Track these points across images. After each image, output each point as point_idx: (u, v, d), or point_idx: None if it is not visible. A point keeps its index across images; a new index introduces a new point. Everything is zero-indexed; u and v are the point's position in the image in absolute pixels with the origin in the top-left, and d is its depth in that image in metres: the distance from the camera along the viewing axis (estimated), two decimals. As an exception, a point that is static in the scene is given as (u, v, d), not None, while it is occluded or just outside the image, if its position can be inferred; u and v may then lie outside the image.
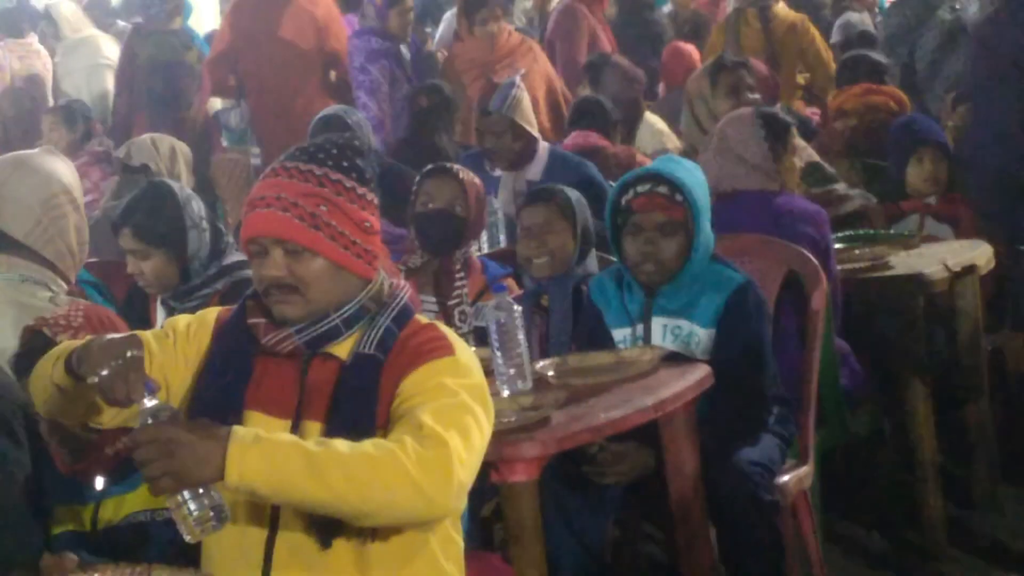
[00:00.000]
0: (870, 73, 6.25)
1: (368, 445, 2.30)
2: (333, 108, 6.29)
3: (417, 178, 4.53)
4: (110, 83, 9.10)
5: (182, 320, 2.66)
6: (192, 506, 2.23)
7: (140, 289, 4.07)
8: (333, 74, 7.86)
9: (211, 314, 2.66)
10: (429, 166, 4.55)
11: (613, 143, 6.03)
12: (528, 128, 5.56)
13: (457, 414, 2.39)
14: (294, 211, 2.46)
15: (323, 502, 2.27)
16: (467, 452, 2.35)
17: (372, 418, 2.45)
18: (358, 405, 2.47)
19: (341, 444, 2.29)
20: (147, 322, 3.98)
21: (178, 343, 2.61)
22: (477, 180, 4.54)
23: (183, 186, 4.10)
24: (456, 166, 4.58)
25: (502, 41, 7.91)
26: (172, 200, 3.86)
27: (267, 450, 2.23)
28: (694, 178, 3.70)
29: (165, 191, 3.93)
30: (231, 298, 3.45)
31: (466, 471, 2.35)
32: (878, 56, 6.69)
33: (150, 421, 2.23)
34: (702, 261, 3.67)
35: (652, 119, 6.75)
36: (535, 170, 5.43)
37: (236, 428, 2.25)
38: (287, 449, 2.25)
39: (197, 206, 3.92)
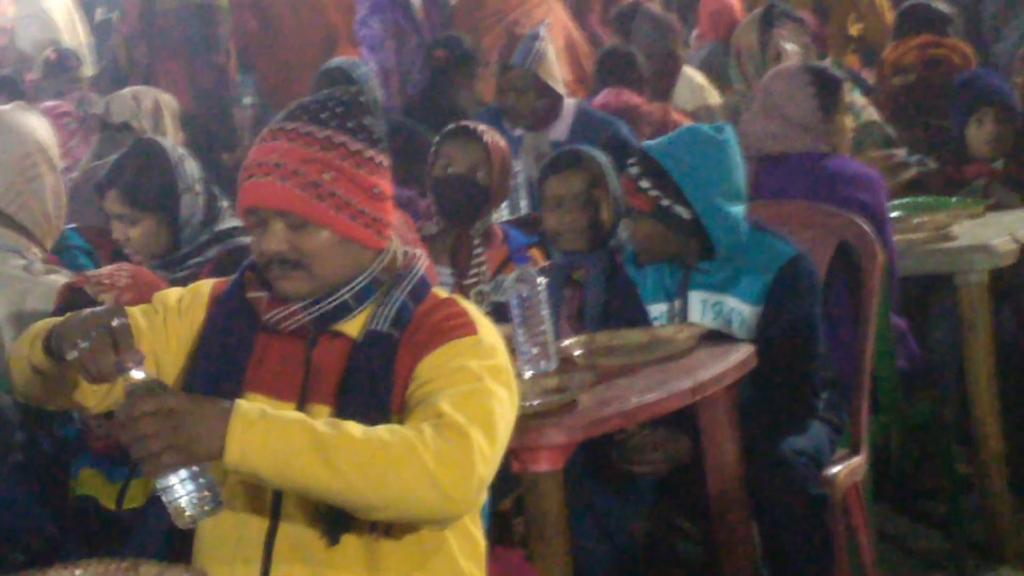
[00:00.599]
0: (930, 24, 6.25)
1: (383, 431, 2.29)
2: (336, 60, 6.34)
3: (436, 138, 4.52)
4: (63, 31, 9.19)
5: (173, 293, 2.65)
6: (190, 487, 2.21)
7: (124, 257, 4.04)
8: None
9: (205, 286, 2.65)
10: (451, 125, 4.54)
11: (646, 99, 6.04)
12: (553, 84, 5.57)
13: (480, 401, 2.39)
14: (295, 180, 2.45)
15: (331, 489, 2.26)
16: (489, 444, 2.35)
17: (387, 402, 2.45)
18: (371, 387, 2.47)
19: (354, 427, 2.28)
20: None
21: (169, 319, 2.60)
22: (503, 143, 4.53)
23: (176, 145, 4.10)
24: (481, 126, 4.55)
25: None
26: (163, 160, 3.86)
27: (273, 427, 2.22)
28: (683, 161, 3.69)
29: (156, 150, 3.92)
30: (225, 268, 3.47)
31: (487, 466, 2.35)
32: (940, 5, 6.67)
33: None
34: (728, 236, 3.65)
35: (691, 73, 6.77)
36: (560, 129, 5.45)
37: (240, 402, 2.25)
38: (295, 427, 2.24)
39: (191, 167, 3.91)
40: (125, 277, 2.88)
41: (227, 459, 2.19)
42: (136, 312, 2.58)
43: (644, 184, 3.65)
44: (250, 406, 2.26)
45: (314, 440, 2.23)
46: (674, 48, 6.83)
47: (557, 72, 5.69)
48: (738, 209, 3.67)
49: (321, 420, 2.31)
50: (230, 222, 3.90)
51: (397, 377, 2.46)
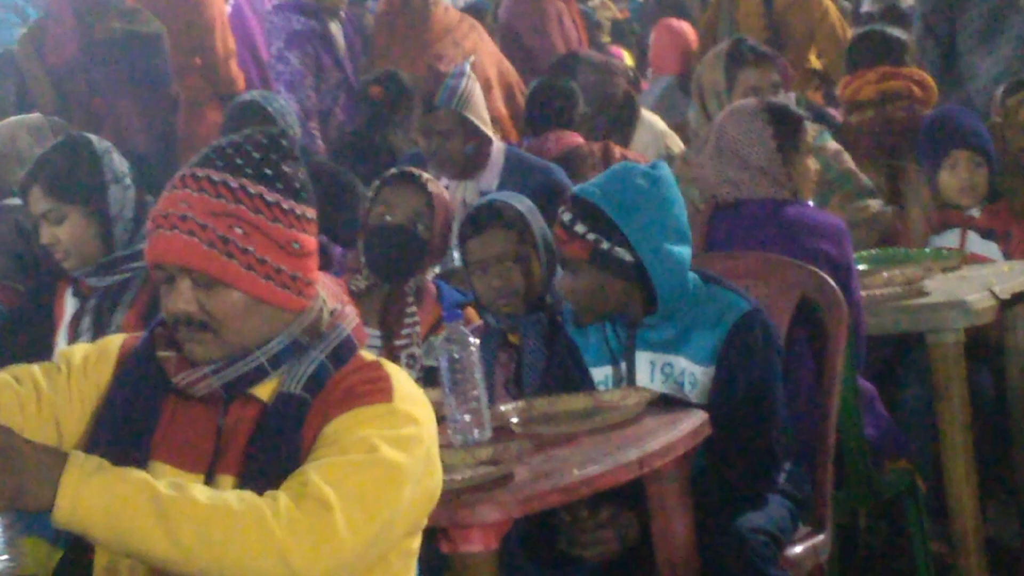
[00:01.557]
0: (885, 53, 6.22)
1: (233, 496, 2.29)
2: (250, 94, 6.32)
3: (376, 184, 4.50)
4: None
5: (79, 351, 2.63)
6: None
7: (45, 283, 4.11)
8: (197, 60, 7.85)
9: (114, 342, 2.65)
10: (392, 171, 4.53)
11: (587, 138, 6.07)
12: (482, 127, 5.57)
13: (362, 473, 2.36)
14: (202, 235, 2.43)
15: (168, 558, 2.25)
16: (363, 520, 2.33)
17: (293, 470, 2.41)
18: (278, 454, 2.45)
19: (201, 491, 2.27)
20: (51, 318, 4.02)
21: (72, 378, 2.58)
22: (446, 194, 4.55)
23: (101, 138, 4.14)
24: (425, 175, 4.54)
25: (438, 16, 7.94)
26: (89, 150, 3.94)
27: (110, 482, 2.21)
28: (619, 201, 3.69)
29: (80, 141, 4.00)
30: (150, 307, 3.56)
31: (353, 543, 2.32)
32: (895, 31, 6.66)
33: None
34: (675, 287, 3.66)
35: (651, 118, 6.77)
36: (490, 177, 5.46)
37: (76, 452, 2.24)
38: (135, 485, 2.23)
39: (118, 159, 3.97)
40: None
41: (56, 513, 2.18)
42: (36, 371, 2.57)
43: (579, 229, 3.64)
44: (88, 457, 2.23)
45: (154, 501, 2.21)
46: (628, 91, 6.85)
47: (486, 113, 5.70)
48: (683, 250, 3.68)
49: (166, 481, 2.28)
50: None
51: (304, 442, 2.45)
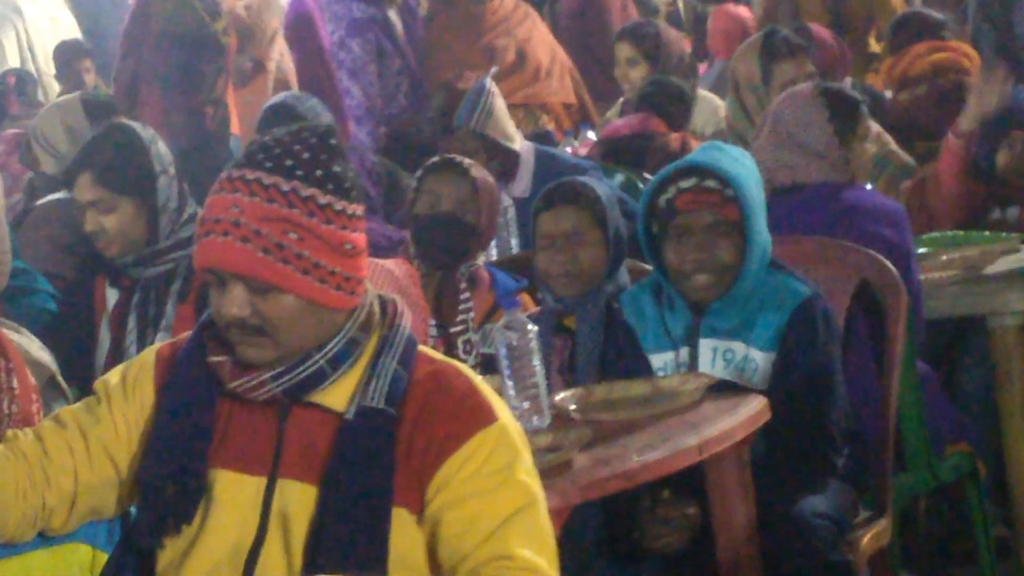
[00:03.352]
0: (928, 31, 6.23)
1: None
2: (281, 96, 6.34)
3: (418, 173, 4.49)
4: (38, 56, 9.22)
5: (115, 374, 2.64)
6: None
7: (82, 276, 4.13)
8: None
9: (149, 355, 2.64)
10: (434, 159, 4.52)
11: (666, 122, 6.09)
12: (506, 143, 5.56)
13: (538, 523, 2.45)
14: (257, 241, 2.42)
15: None
16: (555, 555, 2.47)
17: (388, 488, 2.44)
18: (368, 471, 2.45)
19: None
20: (90, 312, 4.03)
21: (114, 404, 2.59)
22: (491, 178, 4.53)
23: (144, 126, 4.15)
24: (468, 161, 4.53)
25: (493, 5, 7.93)
26: (138, 141, 3.94)
27: None
28: (745, 168, 3.74)
29: (129, 131, 4.00)
30: (200, 304, 3.54)
31: None
32: (932, 12, 6.68)
33: None
34: (758, 271, 3.69)
35: (708, 96, 6.78)
36: (522, 184, 5.44)
37: None
38: None
39: (163, 148, 3.99)
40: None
41: None
42: (78, 409, 2.61)
43: (730, 193, 3.63)
44: None
45: None
46: (684, 73, 6.85)
47: (509, 126, 5.65)
48: (763, 236, 3.71)
49: None
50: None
51: (400, 461, 2.45)
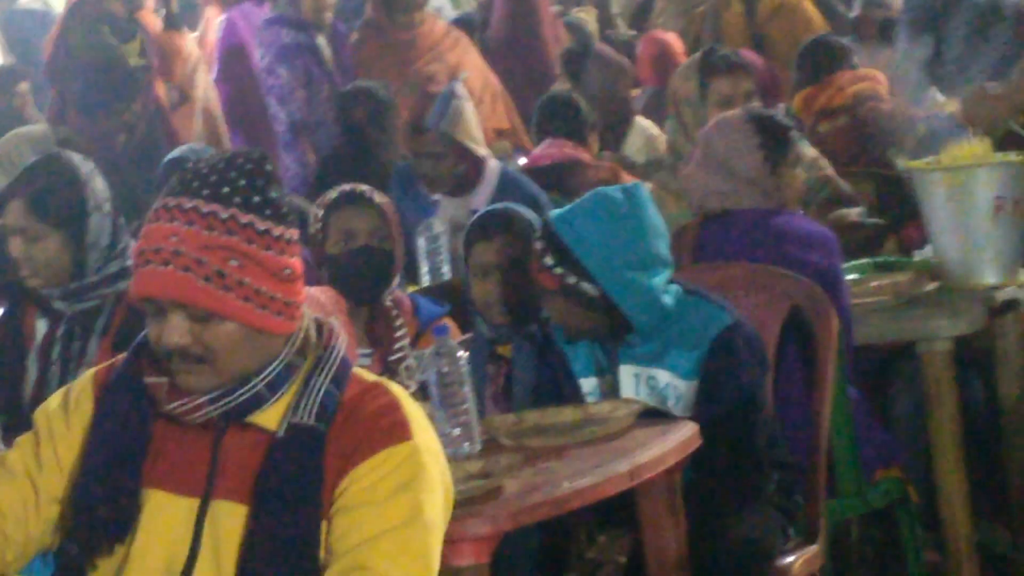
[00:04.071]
0: (834, 60, 6.24)
1: None
2: (181, 150, 6.31)
3: (319, 211, 4.42)
4: None
5: (53, 402, 2.63)
6: None
7: (12, 305, 4.08)
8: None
9: (86, 379, 2.63)
10: (333, 193, 4.45)
11: (591, 153, 6.05)
12: (473, 147, 5.56)
13: (413, 544, 2.43)
14: (198, 270, 2.41)
15: None
16: None
17: (317, 502, 2.44)
18: (297, 486, 2.45)
19: None
20: (20, 342, 3.99)
21: (56, 436, 2.58)
22: (389, 200, 4.51)
23: (85, 159, 4.10)
24: (365, 188, 4.49)
25: (424, 32, 7.96)
26: (73, 174, 3.90)
27: None
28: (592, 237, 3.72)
29: (66, 163, 3.96)
30: (129, 324, 3.52)
31: None
32: (836, 38, 6.69)
33: None
34: (647, 307, 3.67)
35: (643, 123, 6.80)
36: (482, 196, 5.43)
37: None
38: None
39: (101, 185, 3.94)
40: None
41: None
42: (24, 452, 2.58)
43: (548, 261, 3.66)
44: None
45: None
46: (626, 94, 6.87)
47: (477, 132, 5.66)
48: (656, 279, 3.68)
49: None
50: (130, 261, 3.82)
51: (327, 478, 2.45)
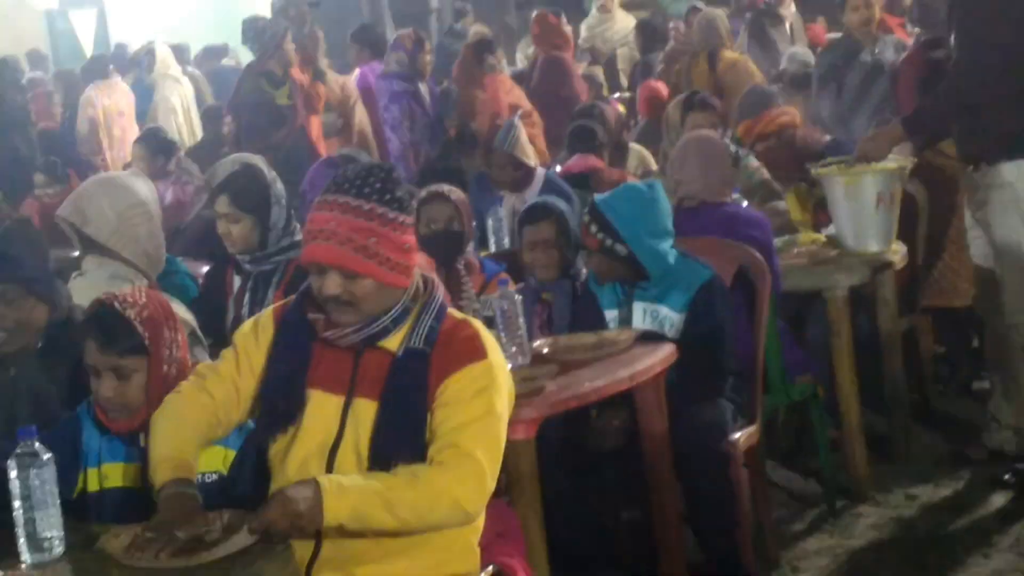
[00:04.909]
0: (766, 103, 6.09)
1: (420, 473, 2.37)
2: (348, 150, 6.21)
3: (415, 204, 4.31)
4: (192, 114, 9.26)
5: (246, 327, 2.66)
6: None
7: (219, 265, 4.07)
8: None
9: (268, 313, 2.65)
10: (424, 193, 4.38)
11: (605, 163, 5.99)
12: (525, 160, 5.51)
13: (488, 430, 2.44)
14: (349, 245, 2.43)
15: (393, 528, 2.35)
16: (493, 463, 2.42)
17: (424, 402, 2.45)
18: (411, 391, 2.47)
19: (404, 480, 2.35)
20: (224, 290, 3.99)
21: (247, 347, 2.61)
22: (463, 195, 4.46)
23: (270, 169, 4.11)
24: (447, 188, 4.42)
25: (507, 87, 7.92)
26: (262, 178, 3.90)
27: (351, 497, 2.30)
28: (638, 208, 3.71)
29: (257, 170, 3.96)
30: (300, 272, 3.45)
31: (493, 480, 2.42)
32: (769, 88, 6.62)
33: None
34: (659, 262, 3.66)
35: (636, 147, 6.72)
36: (532, 193, 5.34)
37: (322, 479, 2.32)
38: (366, 495, 2.31)
39: (280, 187, 3.94)
40: (144, 297, 2.72)
41: (324, 526, 2.29)
42: (221, 362, 2.62)
43: (593, 229, 3.69)
44: (330, 480, 2.32)
45: (381, 499, 2.31)
46: (618, 130, 6.81)
47: (529, 150, 5.61)
48: (665, 244, 3.69)
49: (380, 476, 2.37)
50: (299, 238, 3.85)
51: (430, 384, 2.46)
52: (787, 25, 9.27)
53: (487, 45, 8.21)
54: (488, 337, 2.53)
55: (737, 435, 3.64)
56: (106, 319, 2.63)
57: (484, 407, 2.43)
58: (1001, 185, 4.14)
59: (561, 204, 4.18)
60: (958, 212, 4.77)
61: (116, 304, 2.64)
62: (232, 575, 2.20)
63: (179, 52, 11.10)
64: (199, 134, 9.13)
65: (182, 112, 9.38)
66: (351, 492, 2.30)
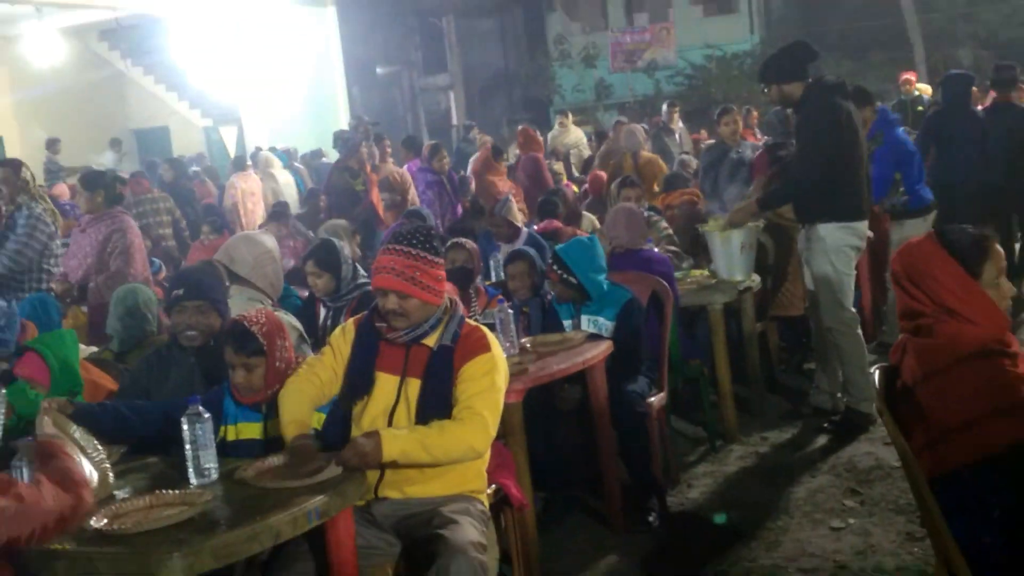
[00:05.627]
0: (677, 183, 6.14)
1: (447, 425, 2.28)
2: (415, 207, 6.23)
3: (444, 248, 4.27)
4: (290, 196, 9.12)
5: (337, 331, 2.56)
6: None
7: (311, 300, 3.96)
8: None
9: (351, 323, 2.55)
10: (449, 243, 4.30)
11: (563, 224, 5.90)
12: (515, 222, 5.44)
13: (492, 396, 2.34)
14: (402, 276, 2.37)
15: (429, 462, 2.31)
16: (494, 419, 2.34)
17: (450, 380, 2.38)
18: (442, 373, 2.39)
19: (436, 429, 2.26)
20: (315, 315, 3.87)
21: (339, 345, 2.50)
22: (475, 245, 4.39)
23: (341, 243, 3.99)
24: (464, 240, 4.37)
25: (500, 168, 7.95)
26: (336, 250, 3.81)
27: (401, 442, 2.23)
28: (585, 253, 3.64)
29: (332, 244, 3.86)
30: (362, 300, 3.44)
31: (494, 430, 2.35)
32: (683, 172, 6.57)
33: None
34: (598, 289, 3.62)
35: (588, 215, 6.53)
36: (519, 243, 5.23)
37: (384, 431, 2.25)
38: (411, 440, 2.25)
39: (348, 252, 3.84)
40: (264, 317, 2.60)
41: (383, 462, 2.25)
42: (320, 357, 2.51)
43: (555, 268, 3.64)
44: (387, 434, 2.23)
45: (422, 445, 2.25)
46: (573, 204, 6.79)
47: (517, 216, 5.55)
48: (601, 276, 3.65)
49: (421, 429, 2.28)
50: (362, 279, 3.81)
51: (454, 368, 2.39)
52: (676, 136, 9.29)
53: (498, 151, 8.25)
54: (492, 337, 2.45)
55: (652, 399, 3.62)
56: (238, 332, 2.54)
57: (489, 383, 2.35)
58: (818, 238, 4.18)
59: (531, 251, 4.07)
60: (794, 254, 4.77)
61: (244, 322, 2.57)
62: (326, 491, 2.12)
63: (291, 153, 11.06)
64: (295, 208, 9.16)
65: (272, 195, 9.23)
66: (400, 439, 2.22)
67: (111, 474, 2.22)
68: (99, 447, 2.22)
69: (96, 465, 2.14)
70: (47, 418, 2.21)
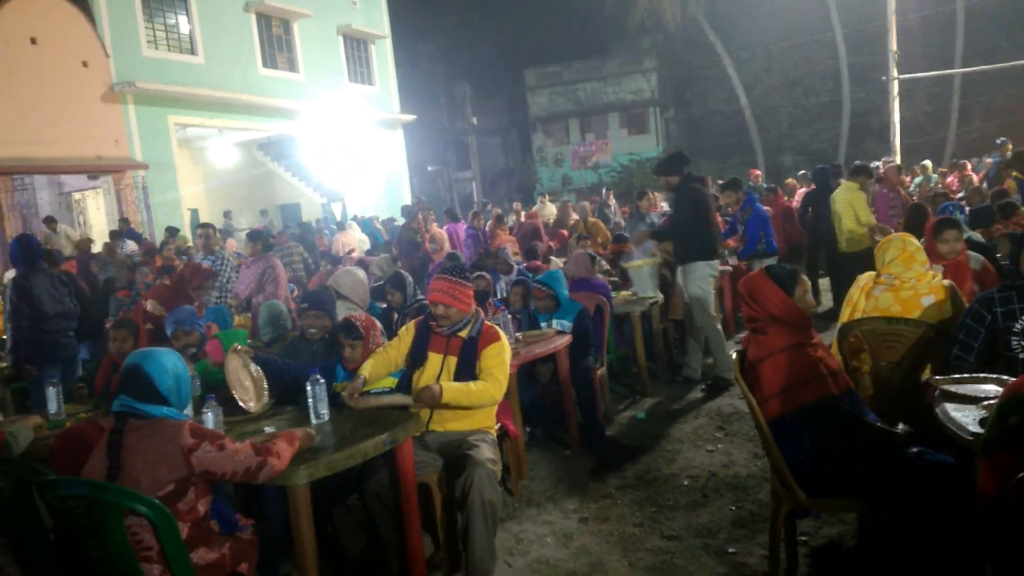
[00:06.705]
0: (620, 240, 5.88)
1: (481, 385, 2.19)
2: (453, 251, 6.01)
3: (472, 278, 4.12)
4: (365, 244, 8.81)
5: (402, 328, 2.47)
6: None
7: (388, 309, 3.80)
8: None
9: (412, 323, 2.47)
10: (475, 274, 4.09)
11: (540, 263, 5.75)
12: (511, 262, 5.29)
13: (503, 369, 2.28)
14: (448, 293, 2.31)
15: (467, 405, 2.22)
16: (504, 381, 2.28)
17: (475, 358, 2.30)
18: (470, 354, 2.32)
19: (472, 385, 2.18)
20: (390, 318, 3.72)
21: (403, 337, 2.43)
22: (488, 276, 4.29)
23: (407, 274, 3.80)
24: (483, 273, 4.21)
25: (507, 232, 7.67)
26: (404, 279, 3.63)
27: (452, 391, 2.17)
28: (556, 280, 3.62)
29: (402, 275, 3.69)
30: (420, 309, 3.30)
31: (504, 389, 2.28)
32: (623, 232, 6.23)
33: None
34: (564, 300, 3.57)
35: (556, 259, 6.21)
36: (513, 275, 5.07)
37: (443, 384, 2.16)
38: (458, 390, 2.18)
39: (411, 279, 3.66)
40: (364, 318, 2.50)
41: (442, 402, 2.16)
42: (392, 343, 2.38)
43: (542, 288, 3.54)
44: (442, 384, 2.15)
45: (463, 394, 2.18)
46: (549, 254, 6.57)
47: (511, 258, 5.37)
48: (565, 292, 3.57)
49: (462, 382, 2.19)
50: (420, 296, 3.65)
51: (478, 350, 2.31)
52: (612, 208, 9.21)
53: (500, 218, 7.96)
54: (501, 332, 2.38)
55: (597, 370, 3.49)
56: (348, 325, 2.52)
57: (500, 360, 2.28)
58: (690, 271, 4.13)
59: (528, 280, 3.93)
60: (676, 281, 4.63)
61: (353, 320, 2.54)
62: (391, 420, 2.09)
63: (374, 219, 10.81)
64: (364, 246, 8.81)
65: (359, 244, 9.00)
66: (452, 389, 2.17)
67: (266, 396, 2.29)
68: (264, 379, 2.28)
69: (259, 391, 2.23)
70: (236, 357, 2.23)
